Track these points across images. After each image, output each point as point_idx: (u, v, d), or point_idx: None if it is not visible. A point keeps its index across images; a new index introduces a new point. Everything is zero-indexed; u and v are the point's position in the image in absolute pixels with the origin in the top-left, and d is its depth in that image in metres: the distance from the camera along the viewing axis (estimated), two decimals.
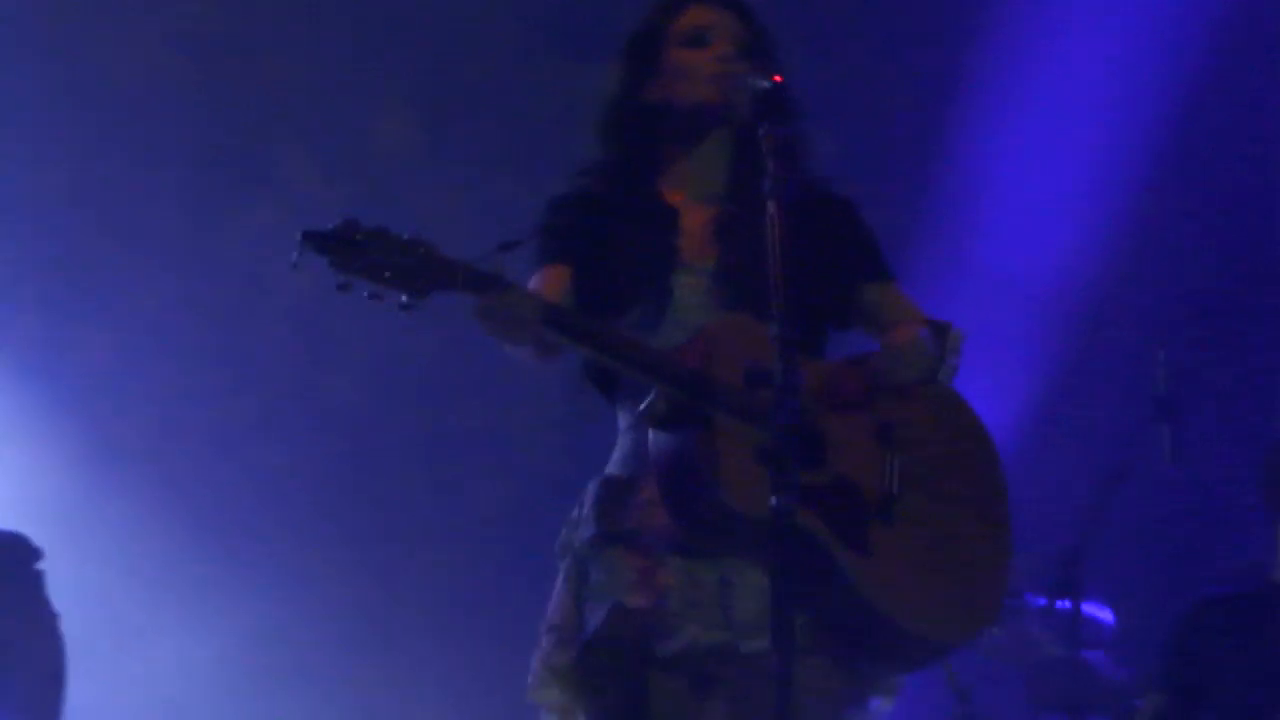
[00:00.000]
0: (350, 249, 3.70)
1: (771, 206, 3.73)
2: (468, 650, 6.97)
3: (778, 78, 3.91)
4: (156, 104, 7.13)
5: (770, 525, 3.53)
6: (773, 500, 3.53)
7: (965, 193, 7.11)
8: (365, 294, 3.73)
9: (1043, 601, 6.28)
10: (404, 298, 3.73)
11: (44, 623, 5.86)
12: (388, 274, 3.72)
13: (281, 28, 7.19)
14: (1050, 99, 7.23)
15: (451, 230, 6.92)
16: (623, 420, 4.11)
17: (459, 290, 3.77)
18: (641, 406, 3.94)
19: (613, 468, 4.10)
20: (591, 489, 4.10)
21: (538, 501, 4.12)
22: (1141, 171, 7.17)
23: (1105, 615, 6.47)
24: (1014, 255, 7.11)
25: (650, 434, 3.91)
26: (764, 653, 3.78)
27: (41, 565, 5.91)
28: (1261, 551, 6.16)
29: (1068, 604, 6.08)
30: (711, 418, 3.82)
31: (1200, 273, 7.36)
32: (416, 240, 3.76)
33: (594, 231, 4.15)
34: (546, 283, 4.10)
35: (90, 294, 7.09)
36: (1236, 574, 6.28)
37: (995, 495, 4.13)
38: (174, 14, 7.16)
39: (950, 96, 7.18)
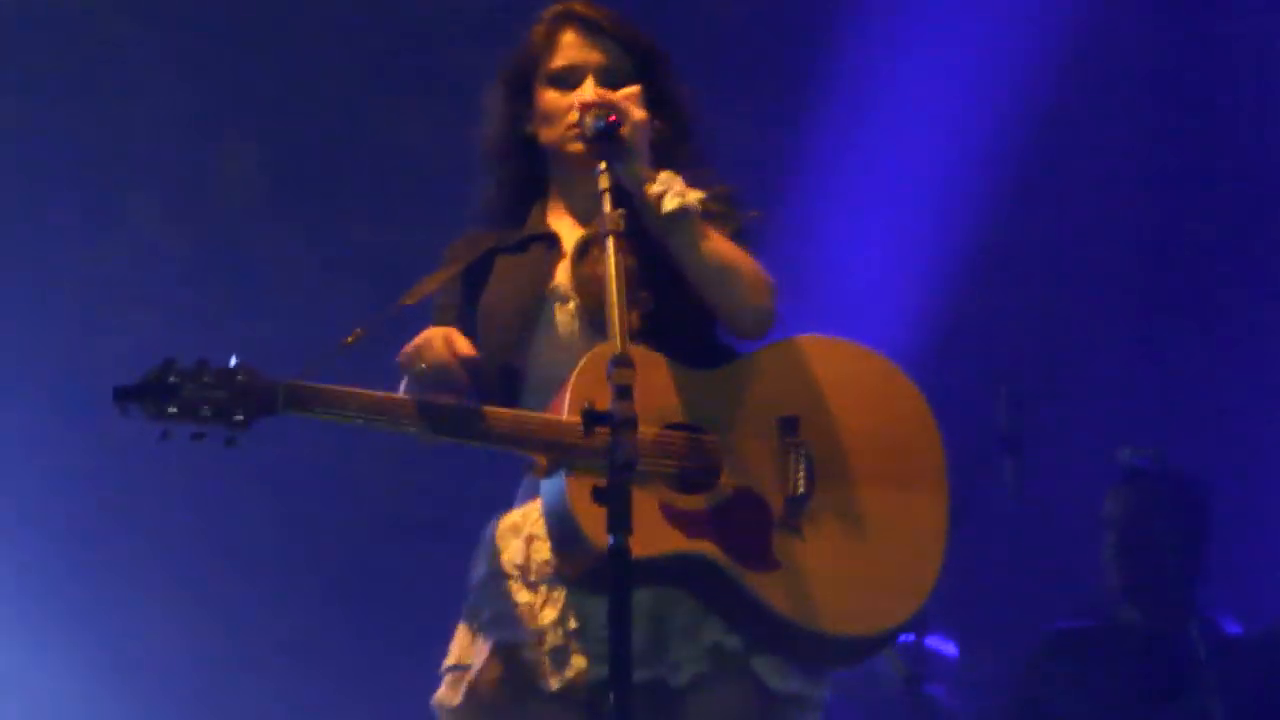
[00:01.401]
0: (163, 393, 3.73)
1: (608, 242, 3.74)
2: None
3: (612, 117, 3.93)
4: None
5: (615, 564, 3.52)
6: (609, 539, 3.53)
7: (808, 217, 7.14)
8: (189, 436, 3.75)
9: None
10: (227, 432, 3.75)
11: None
12: (206, 410, 3.73)
13: (123, 63, 7.11)
14: (893, 130, 7.28)
15: (298, 269, 7.03)
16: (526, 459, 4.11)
17: (285, 412, 3.80)
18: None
19: (515, 504, 4.14)
20: (492, 526, 4.13)
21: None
22: (982, 204, 7.23)
23: (948, 648, 6.51)
24: (853, 287, 7.16)
25: (541, 483, 3.96)
26: (651, 683, 3.86)
27: None
28: (1102, 584, 6.24)
29: (911, 637, 6.12)
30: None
31: (1042, 304, 7.44)
32: (236, 367, 3.78)
33: (480, 276, 4.17)
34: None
35: None
36: (1078, 607, 6.34)
37: (926, 459, 4.06)
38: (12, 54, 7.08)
39: (791, 125, 7.24)
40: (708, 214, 4.04)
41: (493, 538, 4.11)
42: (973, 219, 7.23)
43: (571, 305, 4.11)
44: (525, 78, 4.22)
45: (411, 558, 6.94)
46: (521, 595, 4.01)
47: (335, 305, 6.83)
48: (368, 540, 7.13)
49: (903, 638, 6.03)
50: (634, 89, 4.05)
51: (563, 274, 4.14)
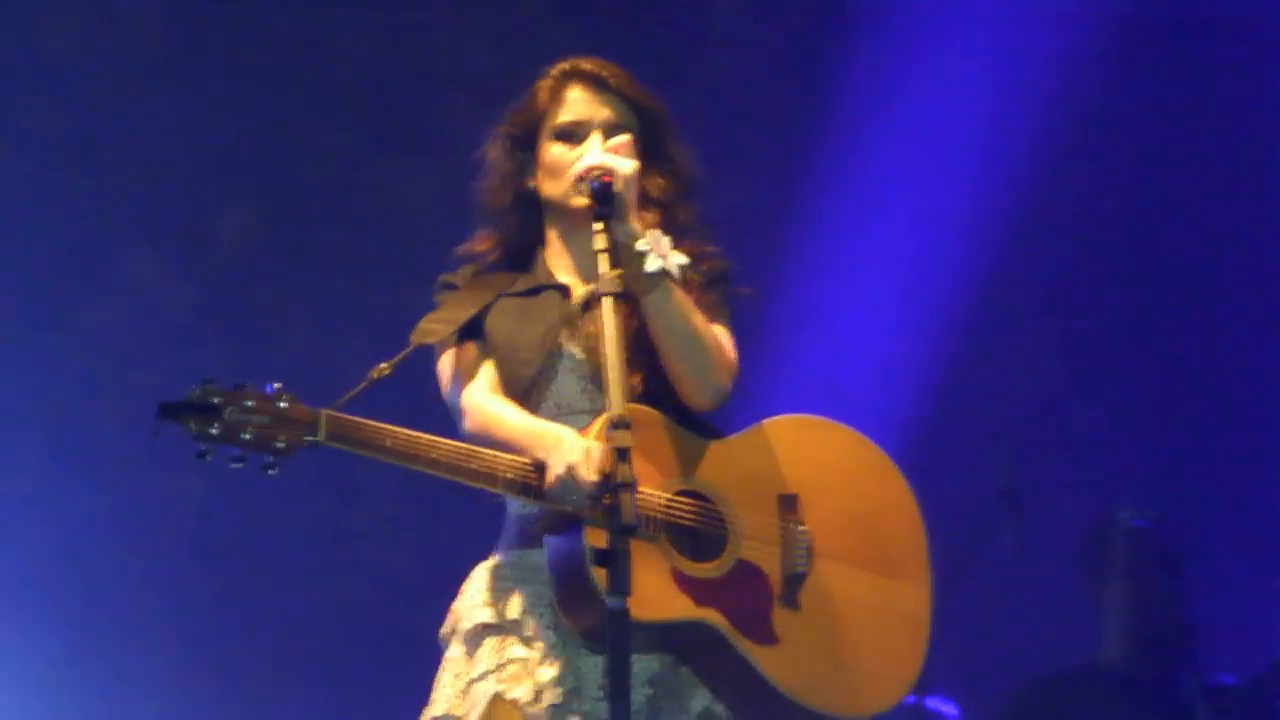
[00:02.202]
0: (207, 414, 3.69)
1: (605, 304, 3.77)
2: None
3: (606, 178, 3.94)
4: None
5: (616, 624, 3.55)
6: (607, 602, 3.55)
7: (810, 280, 7.15)
8: (228, 460, 3.73)
9: None
10: (268, 459, 3.73)
11: None
12: (247, 434, 3.71)
13: (121, 122, 7.12)
14: (890, 193, 7.30)
15: (299, 323, 7.02)
16: (511, 506, 4.12)
17: (326, 443, 3.78)
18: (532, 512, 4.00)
19: (499, 553, 4.11)
20: (478, 575, 4.11)
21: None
22: (982, 262, 7.24)
23: (950, 710, 6.49)
24: (853, 351, 7.17)
25: (546, 539, 3.95)
26: None
27: None
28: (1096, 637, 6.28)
29: (911, 698, 6.10)
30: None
31: (1042, 365, 7.44)
32: (277, 392, 3.76)
33: (492, 318, 4.15)
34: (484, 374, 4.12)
35: None
36: (1070, 657, 6.39)
37: (911, 547, 4.14)
38: (12, 114, 7.08)
39: (792, 186, 7.25)
40: (699, 284, 4.07)
41: (482, 587, 4.09)
42: (969, 282, 7.24)
43: (573, 362, 4.12)
44: (530, 132, 4.22)
45: (384, 603, 6.95)
46: (518, 650, 3.99)
47: (336, 356, 6.83)
48: (339, 581, 7.12)
49: (904, 698, 6.04)
50: (625, 138, 4.06)
51: (569, 331, 4.15)
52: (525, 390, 4.06)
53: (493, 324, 4.13)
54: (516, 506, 4.09)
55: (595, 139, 4.13)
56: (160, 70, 7.17)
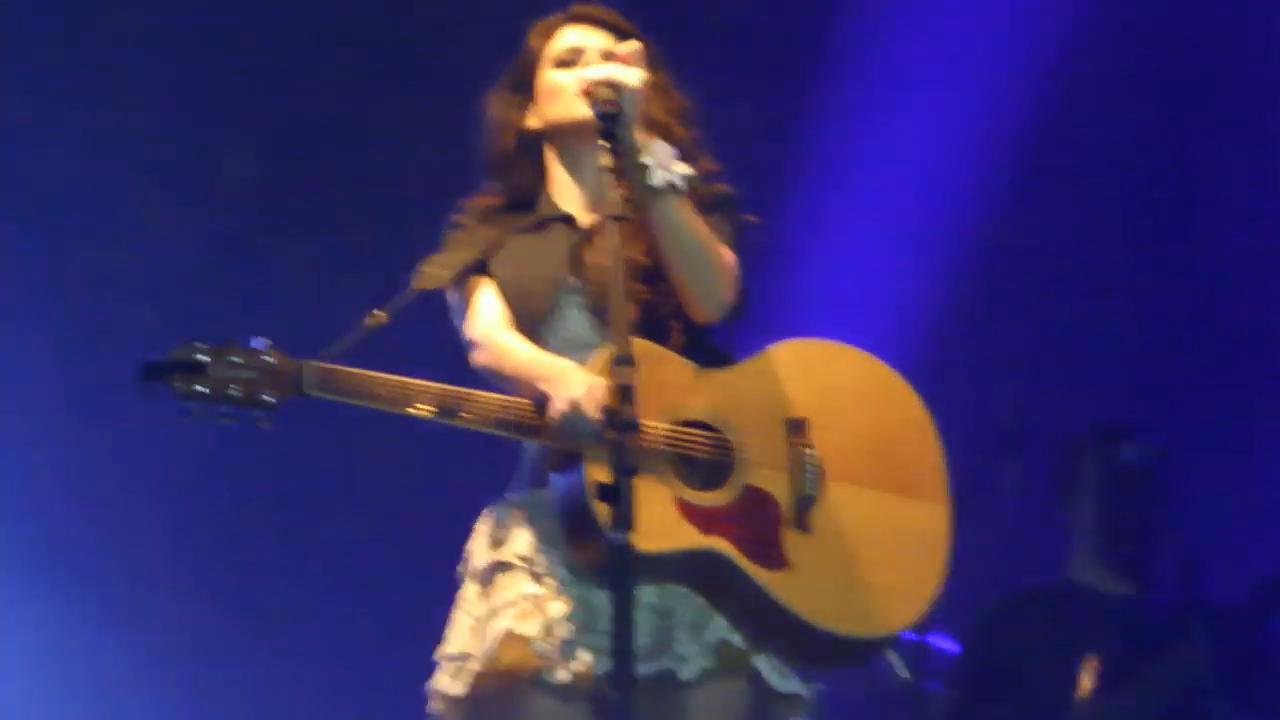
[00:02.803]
0: (191, 373, 3.70)
1: (610, 228, 3.79)
2: None
3: (611, 105, 3.94)
4: None
5: (618, 560, 3.57)
6: (610, 536, 3.57)
7: (806, 216, 7.16)
8: (217, 417, 3.75)
9: None
10: (257, 414, 3.73)
11: None
12: (235, 390, 3.71)
13: (121, 58, 7.11)
14: (892, 130, 7.31)
15: (306, 264, 7.04)
16: (525, 445, 4.16)
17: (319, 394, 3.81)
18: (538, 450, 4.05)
19: (511, 491, 4.15)
20: (488, 514, 4.16)
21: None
22: (981, 201, 7.26)
23: (950, 646, 6.52)
24: (853, 287, 7.19)
25: (552, 475, 3.99)
26: (659, 676, 3.88)
27: None
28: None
29: (913, 634, 6.13)
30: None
31: (1042, 301, 7.46)
32: (263, 347, 3.77)
33: (499, 257, 4.19)
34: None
35: None
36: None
37: (928, 465, 4.14)
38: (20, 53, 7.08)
39: (790, 123, 7.25)
40: (704, 206, 4.06)
41: (493, 526, 4.13)
42: (972, 217, 7.26)
43: (579, 296, 4.13)
44: (527, 75, 4.26)
45: (400, 543, 6.98)
46: (528, 586, 4.03)
47: (343, 300, 6.84)
48: (356, 523, 7.15)
49: (905, 635, 6.08)
50: (635, 45, 4.07)
51: (573, 263, 4.16)
52: (536, 326, 4.09)
53: (499, 264, 4.16)
54: (529, 446, 4.11)
55: (594, 56, 4.17)
56: (171, 8, 7.17)
